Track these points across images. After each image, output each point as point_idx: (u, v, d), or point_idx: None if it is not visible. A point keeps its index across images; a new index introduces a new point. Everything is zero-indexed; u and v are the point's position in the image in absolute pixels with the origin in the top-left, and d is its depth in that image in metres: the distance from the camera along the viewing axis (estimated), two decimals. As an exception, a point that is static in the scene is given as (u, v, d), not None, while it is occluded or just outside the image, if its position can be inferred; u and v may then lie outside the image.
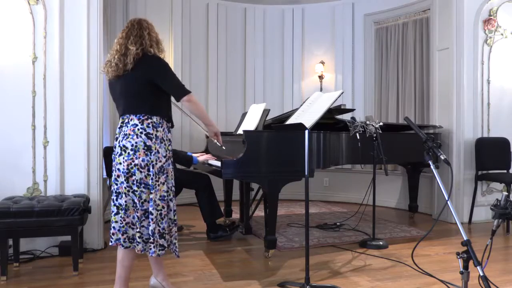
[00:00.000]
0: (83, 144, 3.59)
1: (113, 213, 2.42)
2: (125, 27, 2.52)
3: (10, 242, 3.12)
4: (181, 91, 2.45)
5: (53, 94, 3.51)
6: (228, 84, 6.54)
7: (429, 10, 5.43)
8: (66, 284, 2.87)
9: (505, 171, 4.82)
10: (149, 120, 2.38)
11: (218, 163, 3.53)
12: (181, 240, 4.05)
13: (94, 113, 3.63)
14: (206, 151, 4.85)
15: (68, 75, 3.56)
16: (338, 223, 4.67)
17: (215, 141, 2.86)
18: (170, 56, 5.86)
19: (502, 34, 5.00)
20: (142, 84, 2.39)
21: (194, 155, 4.10)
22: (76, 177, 3.57)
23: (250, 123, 4.08)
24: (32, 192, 3.47)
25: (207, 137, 4.90)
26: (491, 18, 4.93)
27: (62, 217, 3.03)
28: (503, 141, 4.91)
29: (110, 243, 2.44)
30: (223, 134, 4.85)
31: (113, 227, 2.41)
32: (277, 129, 3.56)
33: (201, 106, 2.60)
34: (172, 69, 2.50)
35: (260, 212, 5.03)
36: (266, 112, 4.02)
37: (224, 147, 2.99)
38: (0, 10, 3.42)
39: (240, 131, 4.11)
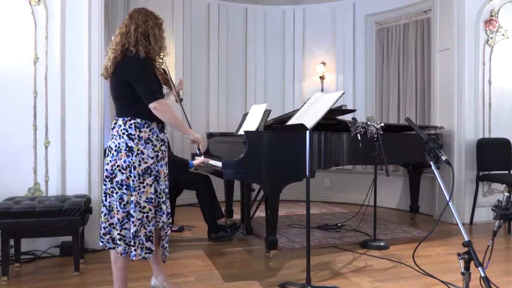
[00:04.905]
0: (85, 144, 3.60)
1: (102, 214, 2.40)
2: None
3: (12, 242, 3.11)
4: (149, 96, 2.30)
5: (55, 95, 3.51)
6: (229, 84, 6.54)
7: (430, 11, 5.42)
8: (67, 285, 2.88)
9: (507, 171, 4.81)
10: (132, 121, 2.33)
11: (219, 164, 3.53)
12: (181, 241, 4.06)
13: (95, 113, 3.64)
14: (207, 151, 4.86)
15: (69, 75, 3.56)
16: (339, 224, 4.67)
17: (196, 147, 2.69)
18: (171, 57, 5.86)
19: (503, 35, 4.99)
20: (123, 86, 2.34)
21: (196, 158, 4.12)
22: (77, 177, 3.58)
23: (251, 123, 4.08)
24: (33, 192, 3.47)
25: (208, 137, 4.91)
26: (492, 19, 4.93)
27: (63, 218, 3.03)
28: (504, 142, 4.90)
29: (101, 243, 2.41)
30: (224, 135, 4.92)
31: (103, 228, 2.39)
32: (278, 129, 3.56)
33: (170, 114, 2.39)
34: (147, 70, 2.34)
35: (261, 213, 5.03)
36: (267, 112, 4.02)
37: (203, 157, 2.84)
38: (1, 11, 3.42)
39: (241, 132, 4.12)
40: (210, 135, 4.92)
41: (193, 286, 2.85)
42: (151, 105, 2.30)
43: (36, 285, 2.86)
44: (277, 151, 3.41)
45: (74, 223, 3.05)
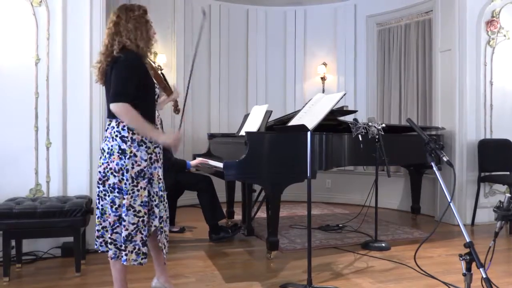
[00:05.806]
0: (86, 145, 3.60)
1: (96, 217, 2.37)
2: None
3: (13, 243, 3.12)
4: (112, 97, 2.23)
5: (56, 96, 3.52)
6: (230, 85, 6.54)
7: (432, 12, 5.42)
8: (68, 285, 2.88)
9: (508, 172, 4.79)
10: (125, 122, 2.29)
11: (220, 164, 3.53)
12: (183, 242, 4.06)
13: (97, 114, 3.64)
14: (208, 152, 4.86)
15: (70, 76, 3.57)
16: (340, 225, 4.66)
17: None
18: (172, 58, 5.87)
19: (504, 36, 4.98)
20: None
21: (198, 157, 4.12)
22: (79, 178, 3.58)
23: (253, 124, 4.08)
24: (35, 193, 3.48)
25: (209, 138, 4.92)
26: (493, 20, 4.92)
27: (64, 218, 3.04)
28: (506, 143, 4.89)
29: (95, 246, 2.40)
30: (225, 135, 4.92)
31: (97, 230, 2.37)
32: (280, 130, 3.56)
33: (129, 119, 2.23)
34: (127, 71, 2.27)
35: (262, 214, 5.02)
36: (268, 113, 4.02)
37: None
38: (3, 12, 3.43)
39: (242, 133, 4.12)
40: (211, 136, 4.93)
41: (194, 287, 2.85)
42: (111, 107, 2.24)
43: (37, 286, 2.86)
44: (278, 152, 3.41)
45: (75, 223, 3.06)
